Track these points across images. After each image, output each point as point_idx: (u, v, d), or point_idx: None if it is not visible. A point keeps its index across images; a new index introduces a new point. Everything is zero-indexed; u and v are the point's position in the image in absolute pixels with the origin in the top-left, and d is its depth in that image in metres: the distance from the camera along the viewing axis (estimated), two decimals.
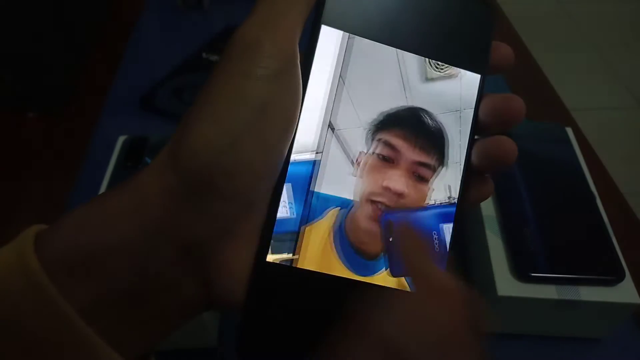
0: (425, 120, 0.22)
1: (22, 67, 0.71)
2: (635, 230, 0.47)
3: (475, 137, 0.22)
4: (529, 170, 0.42)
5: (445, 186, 0.22)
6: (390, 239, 0.21)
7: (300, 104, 0.20)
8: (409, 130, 0.21)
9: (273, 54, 0.18)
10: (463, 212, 0.21)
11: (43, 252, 0.16)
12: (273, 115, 0.18)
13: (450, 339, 0.17)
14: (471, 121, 0.22)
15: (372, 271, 0.21)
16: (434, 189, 0.22)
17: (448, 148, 0.22)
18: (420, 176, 0.21)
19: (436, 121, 0.22)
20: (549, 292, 0.35)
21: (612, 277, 0.36)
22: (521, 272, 0.36)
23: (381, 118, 0.21)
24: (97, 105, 0.61)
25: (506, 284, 0.36)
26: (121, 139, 0.47)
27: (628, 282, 0.36)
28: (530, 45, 0.71)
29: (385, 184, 0.21)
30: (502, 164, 0.21)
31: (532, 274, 0.36)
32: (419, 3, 0.22)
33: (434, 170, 0.22)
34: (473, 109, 0.22)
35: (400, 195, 0.21)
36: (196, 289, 0.19)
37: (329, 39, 0.21)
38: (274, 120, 0.18)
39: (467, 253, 0.45)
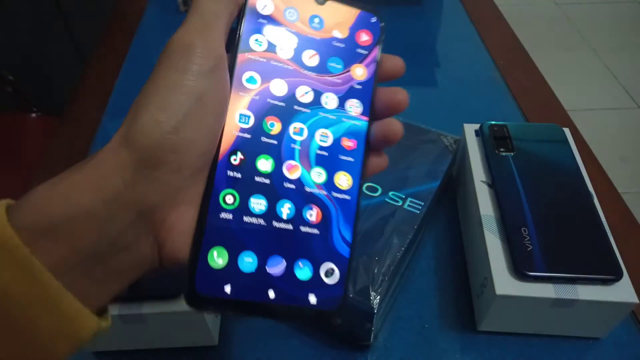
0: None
1: (24, 68, 0.71)
2: (633, 230, 0.48)
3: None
4: (527, 171, 0.42)
5: None
6: None
7: (228, 97, 0.24)
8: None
9: (205, 54, 0.22)
10: (362, 189, 0.26)
11: (14, 220, 0.19)
12: (208, 104, 0.22)
13: None
14: (369, 110, 0.27)
15: None
16: None
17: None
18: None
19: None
20: (547, 291, 0.36)
21: (610, 276, 0.36)
22: (519, 271, 0.36)
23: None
24: (99, 106, 0.61)
25: (504, 283, 0.36)
26: None
27: (626, 281, 0.36)
28: (528, 46, 0.72)
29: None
30: (393, 141, 0.27)
31: (530, 273, 0.36)
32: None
33: None
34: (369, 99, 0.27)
35: None
36: (150, 248, 0.22)
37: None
38: (209, 108, 0.22)
39: (465, 253, 0.45)
